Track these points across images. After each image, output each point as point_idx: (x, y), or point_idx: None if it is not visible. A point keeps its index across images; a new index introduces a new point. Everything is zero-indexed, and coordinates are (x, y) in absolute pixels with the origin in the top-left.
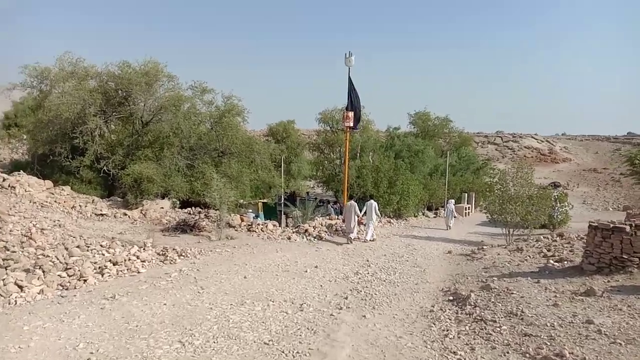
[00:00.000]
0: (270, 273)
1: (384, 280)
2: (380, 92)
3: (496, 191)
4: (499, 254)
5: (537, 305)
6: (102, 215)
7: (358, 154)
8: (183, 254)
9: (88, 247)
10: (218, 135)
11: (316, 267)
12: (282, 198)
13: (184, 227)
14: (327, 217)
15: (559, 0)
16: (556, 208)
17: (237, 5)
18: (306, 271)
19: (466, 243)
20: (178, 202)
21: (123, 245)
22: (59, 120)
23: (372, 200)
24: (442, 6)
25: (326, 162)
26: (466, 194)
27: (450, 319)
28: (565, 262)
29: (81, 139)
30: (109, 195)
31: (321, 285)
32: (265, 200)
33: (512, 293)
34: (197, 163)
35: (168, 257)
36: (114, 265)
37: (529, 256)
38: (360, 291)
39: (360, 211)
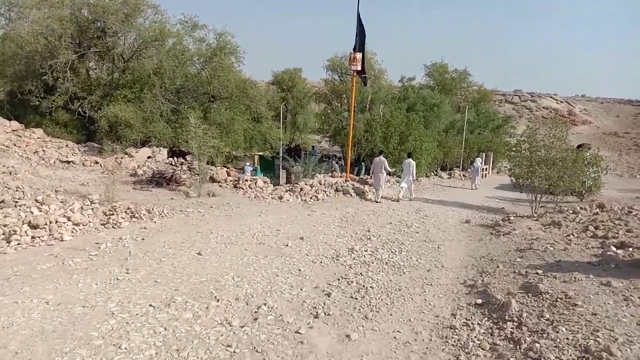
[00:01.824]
0: (237, 248)
1: (386, 263)
2: (393, 44)
3: (523, 151)
4: (530, 229)
5: (628, 338)
6: (68, 162)
7: (367, 107)
8: (137, 215)
9: (17, 201)
10: (208, 77)
11: (302, 238)
12: (281, 151)
13: (159, 180)
14: (330, 174)
15: None
16: (588, 173)
17: None
18: (287, 245)
19: (485, 210)
20: (165, 151)
21: (62, 202)
22: (25, 52)
23: (410, 159)
24: None
25: (333, 114)
26: (484, 154)
27: (484, 348)
28: (630, 249)
29: (50, 75)
30: (88, 140)
31: (299, 270)
32: (261, 153)
33: (577, 305)
34: (183, 108)
35: (111, 220)
36: (33, 229)
37: (573, 235)
38: (352, 282)
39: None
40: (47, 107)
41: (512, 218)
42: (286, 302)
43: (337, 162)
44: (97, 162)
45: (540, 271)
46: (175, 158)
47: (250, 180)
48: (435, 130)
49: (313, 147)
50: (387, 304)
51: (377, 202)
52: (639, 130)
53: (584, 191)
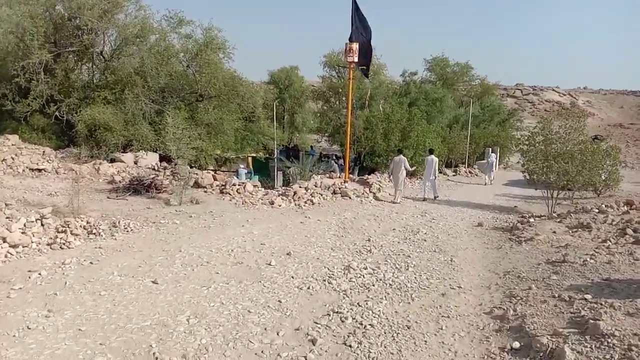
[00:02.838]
0: (206, 271)
1: (390, 285)
2: (392, 38)
3: (537, 145)
4: (555, 233)
5: None
6: (39, 170)
7: (367, 103)
8: (95, 231)
9: None
10: (195, 75)
11: (289, 254)
12: (276, 152)
13: (137, 188)
14: (328, 174)
15: None
16: (606, 166)
17: None
18: (269, 263)
19: (496, 209)
20: (154, 156)
21: (9, 218)
22: None
23: (432, 156)
24: None
25: (331, 112)
26: (490, 149)
27: None
28: None
29: (23, 77)
30: (69, 146)
31: (280, 302)
32: (254, 155)
33: None
34: (167, 108)
35: (58, 239)
36: None
37: (610, 241)
38: (346, 318)
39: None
40: (22, 111)
41: (530, 220)
42: (253, 358)
43: (336, 162)
44: (72, 170)
45: (588, 296)
46: (165, 162)
47: (239, 185)
48: (438, 125)
49: (312, 146)
50: (392, 353)
51: (395, 202)
52: None
53: (601, 186)
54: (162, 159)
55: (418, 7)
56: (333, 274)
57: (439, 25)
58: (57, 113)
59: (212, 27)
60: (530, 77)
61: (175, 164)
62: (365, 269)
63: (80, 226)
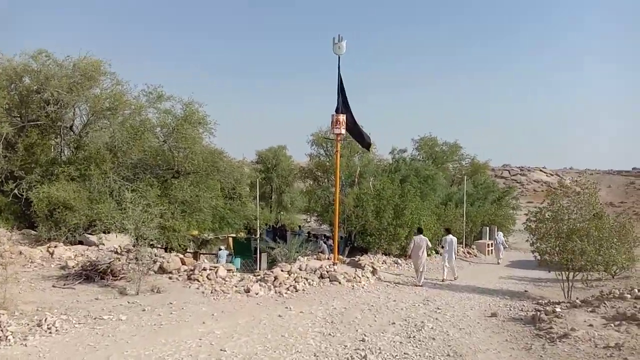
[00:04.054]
0: None
1: None
2: (378, 117)
3: (547, 222)
4: (592, 326)
5: None
6: None
7: (357, 181)
8: (1, 334)
9: None
10: (170, 150)
11: None
12: (258, 232)
13: (89, 274)
14: (315, 256)
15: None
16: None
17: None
18: None
19: (506, 295)
20: (121, 237)
21: None
22: None
23: (451, 236)
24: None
25: (320, 190)
26: (487, 228)
27: None
28: None
29: None
30: (29, 227)
31: None
32: (233, 235)
33: None
34: (139, 185)
35: None
36: None
37: None
38: None
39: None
40: None
41: (556, 309)
42: None
43: (325, 242)
44: (21, 253)
45: None
46: (117, 248)
47: (210, 270)
48: (432, 203)
49: (300, 226)
50: None
51: (419, 285)
52: (634, 199)
53: (619, 266)
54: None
55: (403, 87)
56: None
57: (422, 106)
58: (15, 191)
59: (193, 101)
60: (516, 158)
61: (135, 247)
62: None
63: None
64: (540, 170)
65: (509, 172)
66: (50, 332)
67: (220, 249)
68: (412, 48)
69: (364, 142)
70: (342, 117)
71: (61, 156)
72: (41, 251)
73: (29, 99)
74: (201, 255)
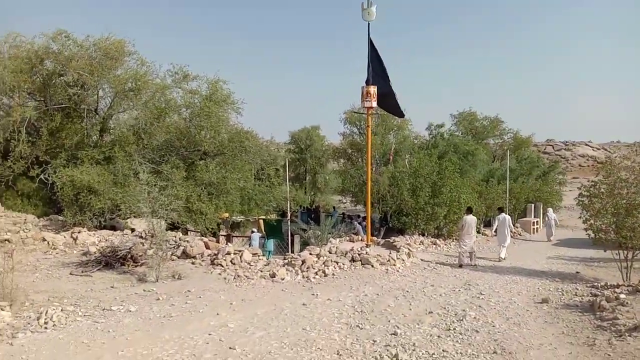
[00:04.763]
0: None
1: None
2: (414, 90)
3: (603, 197)
4: None
5: None
6: (1, 242)
7: (391, 159)
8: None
9: None
10: (196, 130)
11: None
12: (289, 213)
13: (109, 260)
14: (348, 238)
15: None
16: None
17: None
18: None
19: (556, 277)
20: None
21: None
22: None
23: (504, 214)
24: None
25: (353, 170)
26: (532, 205)
27: None
28: None
29: (1, 136)
30: (58, 212)
31: None
32: (263, 217)
33: None
34: (165, 168)
35: None
36: None
37: None
38: None
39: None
40: (3, 174)
41: (621, 296)
42: None
43: (360, 224)
44: (44, 240)
45: None
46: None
47: (234, 254)
48: (472, 180)
49: (334, 207)
50: None
51: (472, 265)
52: None
53: None
54: (173, 227)
55: (440, 56)
56: None
57: (461, 78)
58: (42, 176)
59: (218, 79)
60: (560, 133)
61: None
62: None
63: None
64: (586, 145)
65: (553, 148)
66: (46, 327)
67: (252, 231)
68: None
69: (399, 111)
70: (373, 89)
71: (86, 140)
72: (64, 237)
73: (51, 81)
74: (234, 238)
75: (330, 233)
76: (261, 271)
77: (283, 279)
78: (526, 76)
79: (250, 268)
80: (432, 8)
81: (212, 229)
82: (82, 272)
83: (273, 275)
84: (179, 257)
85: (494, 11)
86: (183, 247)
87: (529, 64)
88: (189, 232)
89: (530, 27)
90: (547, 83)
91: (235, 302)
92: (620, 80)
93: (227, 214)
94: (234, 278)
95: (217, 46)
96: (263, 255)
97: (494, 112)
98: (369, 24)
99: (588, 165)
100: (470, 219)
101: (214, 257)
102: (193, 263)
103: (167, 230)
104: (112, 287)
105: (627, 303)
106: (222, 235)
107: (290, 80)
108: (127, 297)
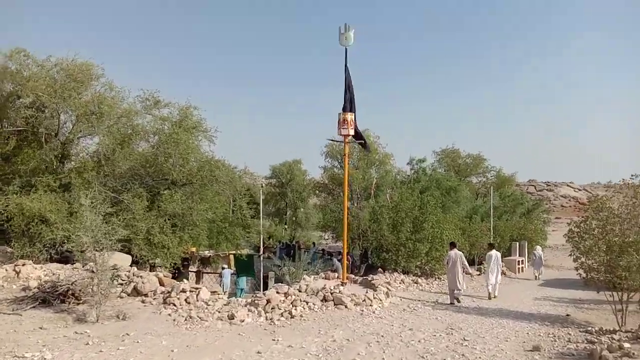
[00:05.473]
0: None
1: None
2: (399, 128)
3: (595, 233)
4: None
5: None
6: None
7: (373, 193)
8: None
9: None
10: (164, 158)
11: None
12: (261, 249)
13: (46, 297)
14: (324, 275)
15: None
16: None
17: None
18: None
19: (545, 320)
20: (121, 256)
21: None
22: None
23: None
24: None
25: (334, 204)
26: (517, 244)
27: None
28: None
29: None
30: (7, 243)
31: None
32: (233, 252)
33: None
34: (126, 196)
35: None
36: None
37: None
38: None
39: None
40: None
41: (625, 345)
42: None
43: (339, 260)
44: None
45: None
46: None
47: (190, 292)
48: (455, 216)
49: (314, 243)
50: None
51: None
52: None
53: None
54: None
55: (423, 99)
56: None
57: (441, 119)
58: None
59: (189, 105)
60: (542, 174)
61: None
62: None
63: None
64: (568, 185)
65: (535, 188)
66: None
67: (223, 268)
68: (428, 59)
69: (366, 144)
70: (350, 116)
71: (43, 166)
72: (6, 270)
73: (8, 103)
74: (204, 274)
75: (305, 270)
76: (219, 312)
77: (243, 321)
78: (510, 118)
79: (207, 308)
80: (411, 59)
81: (174, 263)
82: (13, 310)
83: (232, 317)
84: (129, 295)
85: (479, 62)
86: (134, 283)
87: (513, 107)
88: (156, 268)
89: (514, 75)
90: (530, 125)
91: (177, 350)
92: (601, 122)
93: (194, 248)
94: (185, 320)
95: (199, 81)
96: (237, 294)
97: (476, 150)
98: (346, 49)
99: (570, 206)
100: (454, 254)
101: (167, 295)
102: (143, 302)
103: (130, 265)
104: (40, 327)
105: (633, 354)
106: (191, 271)
107: (273, 115)
108: (53, 340)
